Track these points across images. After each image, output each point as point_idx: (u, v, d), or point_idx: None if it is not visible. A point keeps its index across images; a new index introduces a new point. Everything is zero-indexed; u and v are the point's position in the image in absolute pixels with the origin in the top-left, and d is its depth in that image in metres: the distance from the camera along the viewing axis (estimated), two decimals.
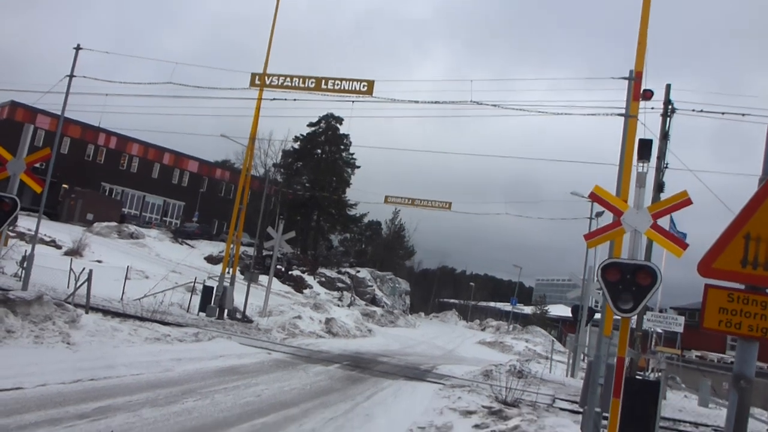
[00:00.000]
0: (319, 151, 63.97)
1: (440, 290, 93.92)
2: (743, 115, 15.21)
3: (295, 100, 22.05)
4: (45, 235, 33.45)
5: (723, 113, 15.64)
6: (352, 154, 64.55)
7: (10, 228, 13.23)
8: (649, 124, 16.67)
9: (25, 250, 23.56)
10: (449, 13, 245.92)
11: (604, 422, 10.48)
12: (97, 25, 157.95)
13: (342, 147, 64.00)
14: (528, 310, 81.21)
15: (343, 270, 60.20)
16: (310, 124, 62.66)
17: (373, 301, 56.44)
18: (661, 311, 29.06)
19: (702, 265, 5.09)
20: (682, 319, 25.05)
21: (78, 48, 20.55)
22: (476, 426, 9.82)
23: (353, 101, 20.78)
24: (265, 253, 45.23)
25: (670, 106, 17.46)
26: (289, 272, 51.11)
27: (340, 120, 60.41)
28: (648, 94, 12.41)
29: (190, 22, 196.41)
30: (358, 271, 60.49)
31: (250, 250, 44.07)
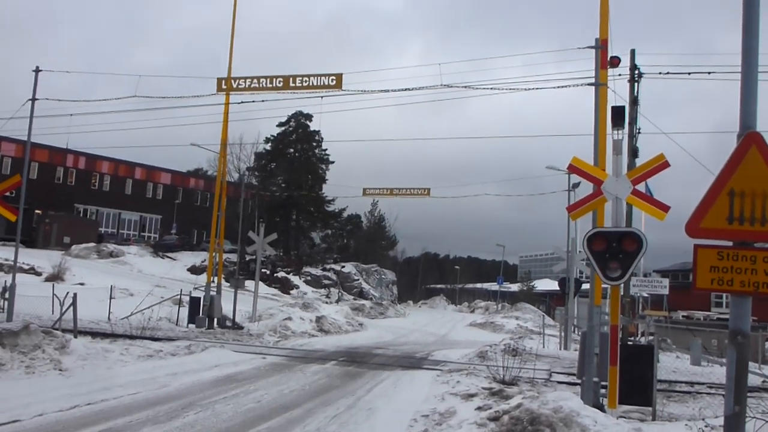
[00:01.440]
0: (291, 150, 63.58)
1: (426, 277, 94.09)
2: (709, 73, 15.37)
3: (263, 101, 21.91)
4: (23, 263, 32.93)
5: (690, 73, 15.81)
6: (325, 150, 64.28)
7: None
8: (622, 93, 16.81)
9: (5, 281, 23.18)
10: (420, 2, 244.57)
11: (603, 391, 10.59)
12: (66, 50, 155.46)
13: (314, 144, 63.68)
14: (515, 287, 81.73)
15: (328, 266, 60.10)
16: (280, 124, 62.23)
17: (361, 294, 56.47)
18: (645, 275, 29.41)
19: (689, 226, 5.13)
20: (666, 281, 25.39)
21: (37, 70, 20.18)
22: (479, 408, 9.86)
23: (322, 96, 20.69)
24: (248, 257, 45.00)
25: (636, 71, 17.61)
26: (275, 274, 50.92)
27: (309, 117, 60.04)
28: (615, 61, 12.51)
29: (161, 37, 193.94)
30: (343, 266, 60.43)
31: (233, 257, 43.82)
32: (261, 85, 21.71)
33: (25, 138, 20.19)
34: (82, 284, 30.57)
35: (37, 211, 55.18)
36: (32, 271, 33.85)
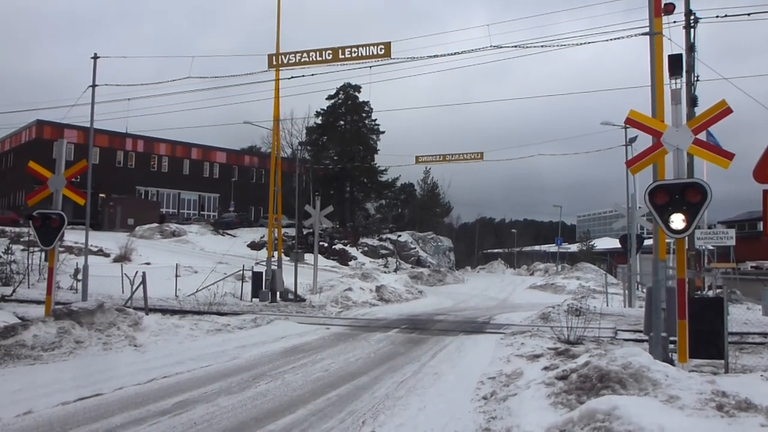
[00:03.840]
0: (341, 122, 63.86)
1: (482, 242, 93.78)
2: None
3: (313, 75, 21.97)
4: (92, 245, 34.17)
5: (749, 14, 15.05)
6: (375, 120, 64.34)
7: (59, 243, 13.64)
8: (678, 40, 16.10)
9: (77, 263, 24.20)
10: None
11: (672, 346, 10.41)
12: (144, 40, 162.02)
13: (364, 115, 63.77)
14: (574, 247, 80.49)
15: (384, 236, 60.45)
16: (329, 97, 62.50)
17: (418, 262, 56.66)
18: (709, 227, 28.57)
19: (758, 171, 4.98)
20: (732, 232, 24.64)
21: (95, 57, 20.67)
22: (546, 368, 9.82)
23: (371, 66, 20.60)
24: (305, 231, 45.66)
25: (692, 17, 16.92)
26: (332, 247, 51.55)
27: (357, 88, 60.08)
28: (669, 8, 12.02)
29: (231, 21, 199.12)
30: (399, 236, 60.68)
31: (291, 231, 44.52)
32: (311, 59, 21.77)
33: (87, 124, 20.80)
34: (148, 264, 31.55)
35: (101, 195, 57.17)
36: (101, 252, 35.07)
